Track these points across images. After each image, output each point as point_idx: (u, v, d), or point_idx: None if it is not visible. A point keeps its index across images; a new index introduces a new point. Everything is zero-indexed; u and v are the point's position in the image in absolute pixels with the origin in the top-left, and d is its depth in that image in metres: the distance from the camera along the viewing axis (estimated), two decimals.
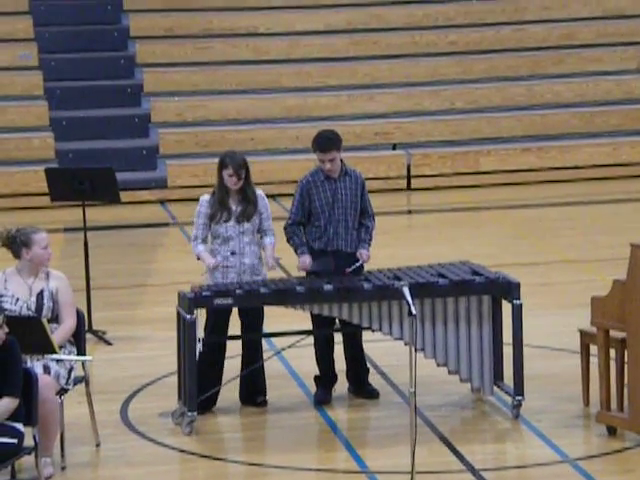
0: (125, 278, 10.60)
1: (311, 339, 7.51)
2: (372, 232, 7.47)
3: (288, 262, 7.77)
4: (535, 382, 7.52)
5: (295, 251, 7.39)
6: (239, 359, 7.42)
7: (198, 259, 7.40)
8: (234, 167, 7.22)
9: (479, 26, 15.46)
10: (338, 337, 7.59)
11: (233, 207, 7.27)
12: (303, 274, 7.43)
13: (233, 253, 7.23)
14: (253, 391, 7.36)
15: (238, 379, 7.36)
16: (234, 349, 7.45)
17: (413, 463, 5.91)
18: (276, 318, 7.70)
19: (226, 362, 7.37)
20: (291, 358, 7.96)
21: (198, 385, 7.09)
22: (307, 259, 7.33)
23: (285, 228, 7.42)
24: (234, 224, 7.25)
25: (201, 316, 7.08)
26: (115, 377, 7.99)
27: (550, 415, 7.19)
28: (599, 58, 15.18)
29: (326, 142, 7.34)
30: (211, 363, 7.24)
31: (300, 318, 7.49)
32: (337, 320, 7.32)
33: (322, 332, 7.45)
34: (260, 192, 7.37)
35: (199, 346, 6.99)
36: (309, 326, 7.51)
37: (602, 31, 15.45)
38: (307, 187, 7.39)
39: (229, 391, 7.40)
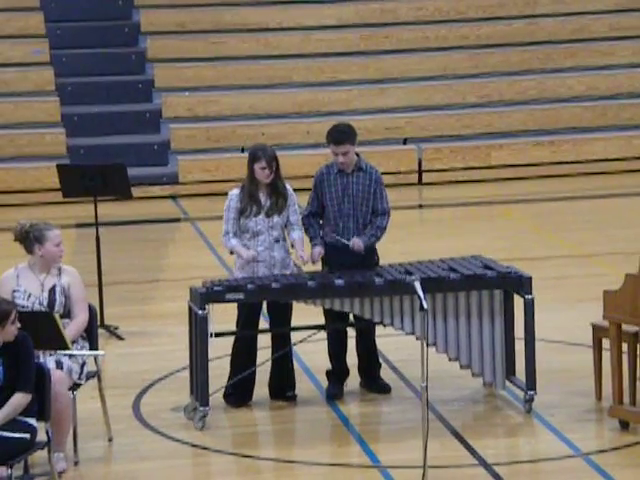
0: (137, 273, 10.62)
1: (322, 334, 7.51)
2: (379, 229, 7.35)
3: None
4: (547, 376, 7.50)
5: (310, 242, 7.39)
6: (261, 352, 7.43)
7: (231, 253, 7.39)
8: (267, 160, 7.22)
9: (490, 20, 15.43)
10: (351, 332, 7.59)
11: (262, 201, 7.28)
12: (317, 267, 7.45)
13: (267, 248, 7.23)
14: (283, 385, 7.37)
15: (262, 374, 7.37)
16: (260, 342, 7.45)
17: (425, 457, 5.91)
18: None
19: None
20: (303, 353, 7.96)
21: (232, 378, 7.15)
22: (317, 252, 7.32)
23: (302, 219, 7.44)
24: (264, 218, 7.26)
25: (213, 311, 7.09)
26: (127, 372, 8.01)
27: (562, 409, 7.18)
28: (611, 51, 15.13)
29: (339, 135, 7.34)
30: (243, 357, 7.27)
31: (311, 313, 7.49)
32: (351, 315, 7.32)
33: (335, 327, 7.45)
34: (288, 186, 7.38)
35: (211, 340, 7.01)
36: (321, 321, 7.51)
37: (614, 24, 15.39)
38: (320, 179, 7.42)
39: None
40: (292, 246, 7.38)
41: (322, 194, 7.38)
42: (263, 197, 7.28)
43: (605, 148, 14.13)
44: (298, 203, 7.44)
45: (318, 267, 7.51)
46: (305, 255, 7.29)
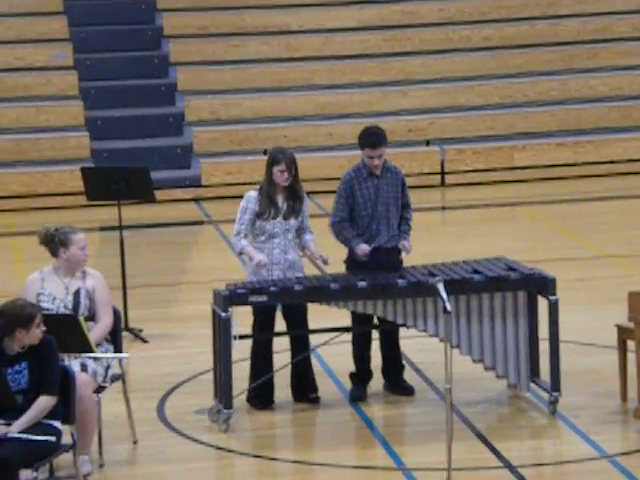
0: (161, 276, 10.65)
1: (344, 336, 7.51)
2: (410, 221, 7.49)
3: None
4: (572, 378, 7.48)
5: (349, 243, 7.33)
6: (283, 355, 7.44)
7: (240, 254, 7.41)
8: (287, 163, 7.24)
9: (513, 21, 15.39)
10: (375, 334, 7.58)
11: (280, 204, 7.29)
12: (338, 269, 7.45)
13: (283, 250, 7.24)
14: (305, 388, 7.37)
15: (286, 377, 7.37)
16: (281, 345, 7.47)
17: (449, 460, 5.89)
18: (311, 315, 7.70)
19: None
20: (326, 355, 7.97)
21: (253, 382, 7.19)
22: (365, 247, 7.28)
23: (332, 225, 7.42)
24: (281, 220, 7.27)
25: (236, 313, 7.10)
26: (151, 375, 8.03)
27: (587, 411, 7.15)
28: (634, 52, 15.06)
29: (376, 138, 7.34)
30: (262, 360, 7.29)
31: (335, 315, 7.49)
32: (375, 317, 7.32)
33: (360, 329, 7.44)
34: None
35: (235, 343, 7.02)
36: (344, 323, 7.51)
37: (637, 25, 15.32)
38: (350, 183, 7.39)
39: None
40: (303, 249, 7.37)
41: (353, 198, 7.35)
42: (280, 200, 7.29)
43: (629, 149, 14.06)
44: (321, 205, 7.44)
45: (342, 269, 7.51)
46: (325, 255, 7.28)
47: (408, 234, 7.44)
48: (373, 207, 7.34)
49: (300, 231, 7.38)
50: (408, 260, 7.54)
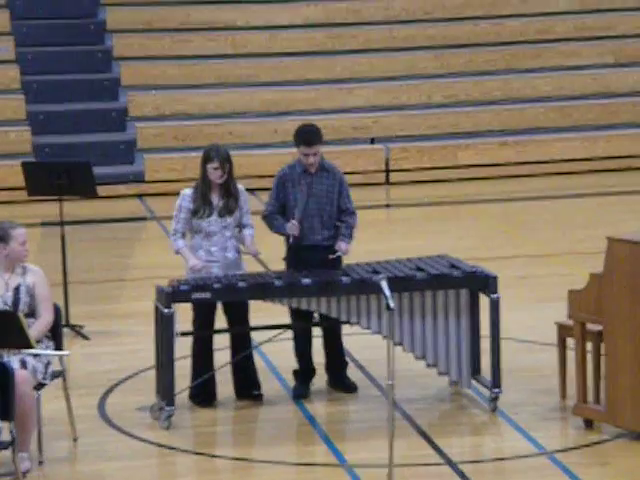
0: (103, 272, 10.58)
1: (288, 333, 7.51)
2: (353, 228, 7.46)
3: (267, 256, 7.77)
4: (512, 375, 7.55)
5: (280, 230, 7.32)
6: (225, 352, 7.42)
7: (177, 253, 7.38)
8: (220, 160, 7.20)
9: (457, 20, 15.49)
10: (317, 331, 7.59)
11: (215, 201, 7.26)
12: (281, 267, 7.46)
13: (221, 248, 7.21)
14: (248, 384, 7.36)
15: (228, 374, 7.36)
16: (222, 342, 7.44)
17: (391, 456, 5.92)
18: (254, 312, 7.69)
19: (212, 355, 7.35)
20: (269, 352, 7.96)
21: (194, 379, 7.14)
22: (293, 222, 7.23)
23: (264, 217, 7.41)
24: (217, 218, 7.24)
25: (179, 310, 7.07)
26: (92, 372, 7.97)
27: (527, 408, 7.22)
28: (576, 52, 15.24)
29: (311, 136, 7.32)
30: (203, 357, 7.26)
31: (277, 312, 7.49)
32: (316, 314, 7.33)
33: (301, 326, 7.45)
34: (241, 186, 7.36)
35: (177, 340, 6.99)
36: (287, 320, 7.51)
37: (579, 25, 15.50)
38: (283, 179, 7.39)
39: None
40: (242, 243, 7.35)
41: (286, 194, 7.36)
42: (215, 198, 7.26)
43: (570, 148, 14.22)
44: (265, 202, 7.43)
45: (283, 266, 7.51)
46: (252, 248, 7.24)
47: (348, 238, 7.41)
48: (305, 204, 7.33)
49: (241, 227, 7.36)
50: (353, 257, 7.56)
